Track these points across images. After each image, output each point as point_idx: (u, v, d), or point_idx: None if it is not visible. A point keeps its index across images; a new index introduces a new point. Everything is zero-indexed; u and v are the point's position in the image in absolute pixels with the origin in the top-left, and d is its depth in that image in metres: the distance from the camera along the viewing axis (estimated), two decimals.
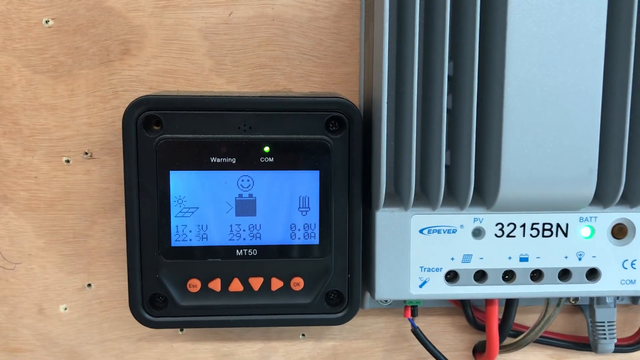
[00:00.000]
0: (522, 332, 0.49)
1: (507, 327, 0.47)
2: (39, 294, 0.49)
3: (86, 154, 0.48)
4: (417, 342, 0.48)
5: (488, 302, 0.46)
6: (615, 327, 0.48)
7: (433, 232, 0.43)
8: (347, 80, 0.48)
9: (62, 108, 0.47)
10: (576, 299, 0.49)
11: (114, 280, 0.49)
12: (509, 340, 0.49)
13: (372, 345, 0.51)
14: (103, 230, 0.49)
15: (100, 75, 0.47)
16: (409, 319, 0.47)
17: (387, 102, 0.41)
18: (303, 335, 0.51)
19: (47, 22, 0.46)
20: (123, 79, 0.47)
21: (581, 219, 0.43)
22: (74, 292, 0.49)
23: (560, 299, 0.47)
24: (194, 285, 0.43)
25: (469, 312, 0.49)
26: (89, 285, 0.49)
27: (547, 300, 0.47)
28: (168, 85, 0.47)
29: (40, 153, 0.47)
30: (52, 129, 0.47)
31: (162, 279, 0.43)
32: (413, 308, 0.47)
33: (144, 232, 0.42)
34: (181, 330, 0.50)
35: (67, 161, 0.48)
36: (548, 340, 0.50)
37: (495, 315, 0.46)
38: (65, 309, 0.50)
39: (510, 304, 0.47)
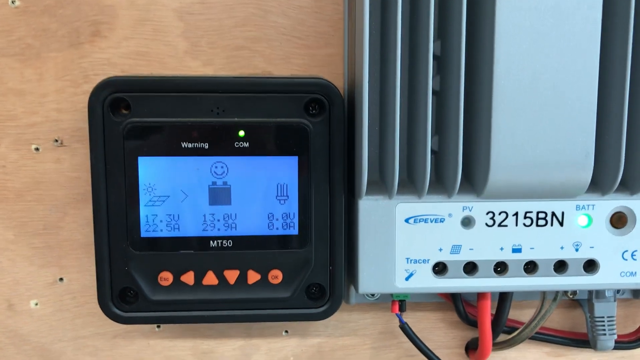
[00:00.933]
0: (517, 328, 0.47)
1: (500, 323, 0.45)
2: (8, 289, 0.47)
3: (56, 141, 0.45)
4: (406, 338, 0.46)
5: (480, 296, 0.44)
6: (615, 322, 0.46)
7: (419, 221, 0.40)
8: (331, 63, 0.45)
9: (30, 93, 0.45)
10: (574, 292, 0.47)
11: (87, 274, 0.47)
12: (503, 337, 0.47)
13: (359, 343, 0.49)
14: (75, 221, 0.46)
15: (70, 58, 0.45)
16: (396, 315, 0.45)
17: (371, 83, 0.39)
18: (286, 332, 0.49)
19: (13, 2, 0.44)
20: (94, 62, 0.45)
21: (578, 207, 0.41)
22: (45, 286, 0.47)
23: (557, 292, 0.45)
24: (166, 278, 0.41)
25: (460, 307, 0.47)
26: (61, 279, 0.47)
27: (543, 294, 0.45)
28: (141, 68, 0.45)
29: (7, 141, 0.45)
30: (20, 116, 0.45)
31: (132, 272, 0.41)
32: (401, 303, 0.45)
33: (112, 223, 0.40)
34: (158, 326, 0.48)
35: (37, 149, 0.45)
36: (544, 337, 0.49)
37: (487, 310, 0.44)
38: (36, 304, 0.47)
39: (503, 298, 0.45)
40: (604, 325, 0.46)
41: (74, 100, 0.45)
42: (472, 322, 0.47)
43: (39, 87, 0.45)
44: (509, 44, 0.37)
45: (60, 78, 0.45)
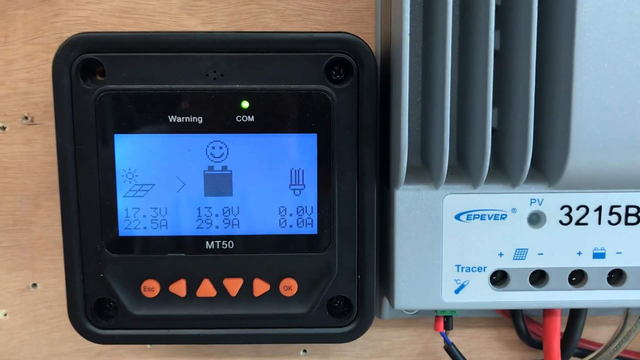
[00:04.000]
0: (592, 351, 0.41)
1: (572, 345, 0.40)
2: None
3: (26, 118, 0.40)
4: None
5: (547, 312, 0.38)
6: None
7: (474, 217, 0.34)
8: (359, 20, 0.39)
9: None
10: None
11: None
12: None
13: None
14: (50, 215, 0.41)
15: (41, 16, 0.39)
16: (441, 333, 0.39)
17: (411, 44, 0.33)
18: (304, 351, 0.43)
19: None
20: (70, 21, 0.39)
21: None
22: (16, 293, 0.42)
23: None
24: (151, 288, 0.35)
25: (521, 324, 0.41)
26: (34, 285, 0.42)
27: (627, 310, 0.40)
28: (126, 28, 0.39)
29: None
30: None
31: (109, 280, 0.34)
32: (447, 319, 0.39)
33: (84, 218, 0.34)
34: None
35: (3, 128, 0.40)
36: None
37: (556, 328, 0.38)
38: (5, 315, 0.42)
39: (576, 315, 0.39)
40: None
41: (47, 68, 0.40)
42: (535, 343, 0.42)
43: (4, 52, 0.39)
44: None
45: (30, 41, 0.40)
